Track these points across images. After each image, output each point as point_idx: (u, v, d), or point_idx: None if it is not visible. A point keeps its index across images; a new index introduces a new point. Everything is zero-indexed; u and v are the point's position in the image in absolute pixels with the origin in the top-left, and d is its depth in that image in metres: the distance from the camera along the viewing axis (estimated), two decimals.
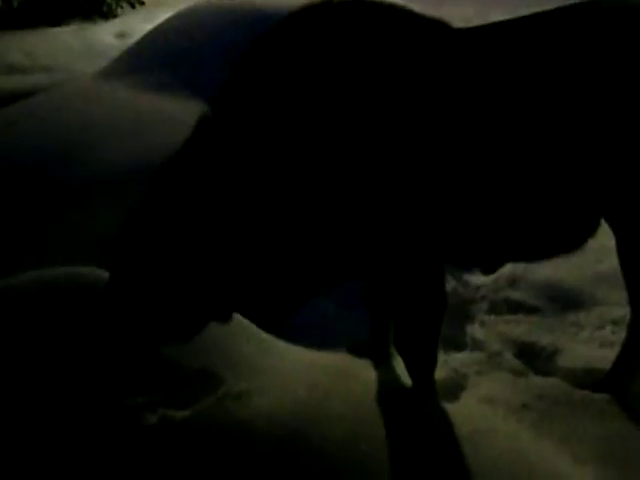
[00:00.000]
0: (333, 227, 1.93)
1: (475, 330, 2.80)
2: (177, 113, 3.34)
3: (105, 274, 2.02)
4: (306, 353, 2.18)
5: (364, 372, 2.13)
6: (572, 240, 2.18)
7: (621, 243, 2.24)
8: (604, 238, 2.23)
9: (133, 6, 10.62)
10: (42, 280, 2.13)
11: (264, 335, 2.18)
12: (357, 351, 2.29)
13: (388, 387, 2.08)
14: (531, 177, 2.03)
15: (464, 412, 2.04)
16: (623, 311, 2.58)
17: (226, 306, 1.94)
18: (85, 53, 7.12)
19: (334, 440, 1.75)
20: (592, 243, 2.20)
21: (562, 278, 3.04)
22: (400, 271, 2.03)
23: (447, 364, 2.47)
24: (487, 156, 1.99)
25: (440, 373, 2.23)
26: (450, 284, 2.95)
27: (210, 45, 3.94)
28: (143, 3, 10.69)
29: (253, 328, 2.16)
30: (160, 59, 4.05)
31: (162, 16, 4.95)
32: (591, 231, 2.17)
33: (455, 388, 2.33)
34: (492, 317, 2.89)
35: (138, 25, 7.61)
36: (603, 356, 2.50)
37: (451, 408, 2.03)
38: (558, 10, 2.12)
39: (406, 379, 2.15)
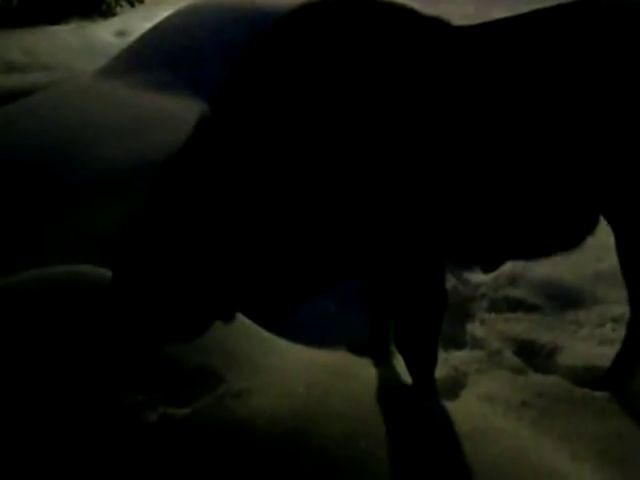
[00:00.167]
0: (333, 225, 1.93)
1: (475, 328, 2.80)
2: (177, 111, 3.35)
3: (105, 272, 2.02)
4: (306, 351, 2.19)
5: (364, 370, 2.13)
6: (571, 238, 2.18)
7: (620, 241, 2.24)
8: (603, 236, 2.23)
9: (132, 4, 10.61)
10: (42, 278, 2.13)
11: (264, 333, 2.18)
12: (357, 349, 2.29)
13: (388, 385, 2.08)
14: (530, 175, 2.03)
15: (464, 410, 2.04)
16: (623, 309, 2.58)
17: (229, 306, 1.94)
18: (85, 51, 7.11)
19: (334, 438, 1.75)
20: (591, 241, 2.20)
21: (562, 276, 3.05)
22: (400, 269, 2.03)
23: (447, 362, 2.47)
24: (487, 154, 1.99)
25: (440, 371, 2.23)
26: (450, 282, 2.95)
27: (210, 43, 3.94)
28: (142, 1, 10.68)
29: (253, 326, 2.16)
30: (160, 57, 4.06)
31: (162, 14, 4.95)
32: (590, 229, 2.17)
33: (455, 386, 2.33)
34: (492, 315, 2.89)
35: (138, 23, 7.61)
36: (603, 354, 2.50)
37: (451, 406, 2.03)
38: (558, 7, 2.12)
39: (406, 377, 2.15)
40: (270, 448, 1.72)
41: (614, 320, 2.76)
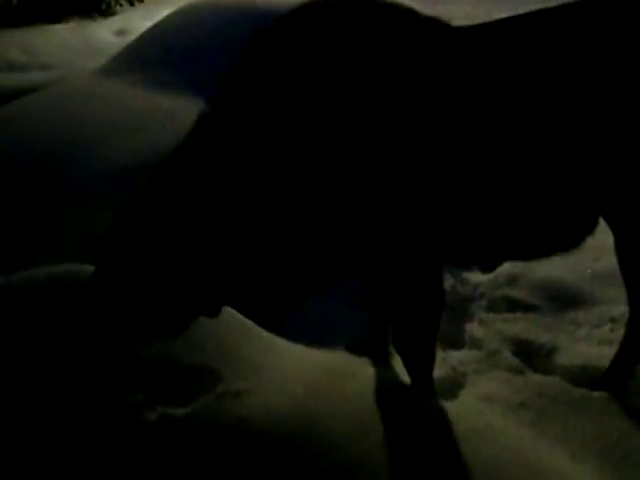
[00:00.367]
0: (331, 224, 1.93)
1: (474, 328, 2.80)
2: (177, 110, 3.35)
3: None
4: (305, 351, 2.19)
5: (363, 371, 2.13)
6: (571, 239, 2.18)
7: (620, 241, 2.24)
8: (602, 236, 2.23)
9: (132, 3, 10.61)
10: (43, 278, 2.14)
11: (263, 333, 2.18)
12: (356, 350, 2.29)
13: (387, 385, 2.08)
14: (530, 175, 2.03)
15: (462, 410, 2.04)
16: (621, 309, 2.59)
17: (214, 301, 1.94)
18: (84, 50, 7.11)
19: (333, 438, 1.75)
20: (590, 241, 2.20)
21: (561, 276, 3.05)
22: (398, 269, 2.04)
23: (446, 362, 2.47)
24: (486, 154, 2.00)
25: (439, 371, 2.23)
26: (449, 282, 2.96)
27: (210, 42, 3.94)
28: (142, 0, 10.68)
29: (252, 326, 2.16)
30: (160, 56, 4.06)
31: (161, 13, 4.95)
32: (589, 230, 2.17)
33: (454, 386, 2.34)
34: (490, 315, 2.89)
35: (137, 22, 7.61)
36: (601, 354, 2.51)
37: (450, 406, 2.03)
38: (559, 8, 2.12)
39: (405, 377, 2.16)
40: (269, 448, 1.72)
41: (613, 320, 2.76)
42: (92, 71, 4.45)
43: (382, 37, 1.97)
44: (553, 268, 2.99)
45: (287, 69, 1.93)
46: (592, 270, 3.07)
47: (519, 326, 2.80)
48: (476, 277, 3.07)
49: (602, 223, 2.21)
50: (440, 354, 2.36)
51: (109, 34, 8.10)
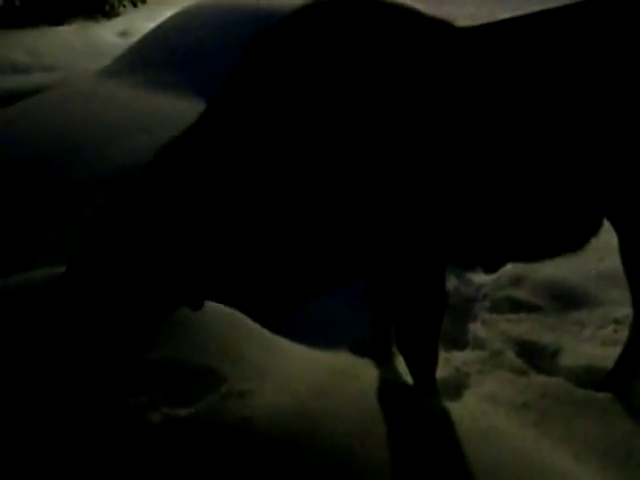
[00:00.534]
0: (334, 224, 1.93)
1: (477, 329, 2.80)
2: (180, 112, 3.34)
3: None
4: (308, 352, 2.18)
5: (366, 371, 2.13)
6: (575, 240, 2.18)
7: (624, 242, 2.24)
8: (606, 237, 2.23)
9: (135, 5, 10.63)
10: (46, 279, 2.14)
11: (267, 334, 2.18)
12: (359, 350, 2.29)
13: (390, 386, 2.08)
14: (534, 176, 2.03)
15: (466, 411, 2.04)
16: (625, 310, 2.58)
17: (197, 294, 1.93)
18: (88, 52, 7.12)
19: (336, 439, 1.75)
20: (594, 242, 2.20)
21: (564, 277, 3.04)
22: (401, 270, 2.03)
23: (449, 363, 2.47)
24: (490, 155, 1.99)
25: (442, 372, 2.23)
26: (452, 282, 2.96)
27: (213, 43, 3.94)
28: (145, 2, 10.70)
29: (256, 327, 2.16)
30: (163, 58, 4.06)
31: (165, 14, 4.96)
32: (594, 231, 2.16)
33: (457, 387, 2.34)
34: (494, 316, 2.89)
35: (141, 24, 7.62)
36: (605, 355, 2.50)
37: (453, 407, 2.03)
38: (564, 8, 2.11)
39: (408, 378, 2.15)
40: (272, 448, 1.72)
41: (617, 321, 2.75)
42: (95, 72, 4.45)
43: (386, 38, 1.97)
44: (557, 269, 2.98)
45: (291, 69, 1.93)
46: (596, 271, 3.07)
47: (522, 327, 2.79)
48: (479, 278, 3.07)
49: (606, 224, 2.21)
50: (443, 355, 2.36)
51: (112, 35, 8.12)
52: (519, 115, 2.00)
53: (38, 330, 1.91)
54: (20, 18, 9.18)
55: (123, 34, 8.06)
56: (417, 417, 1.91)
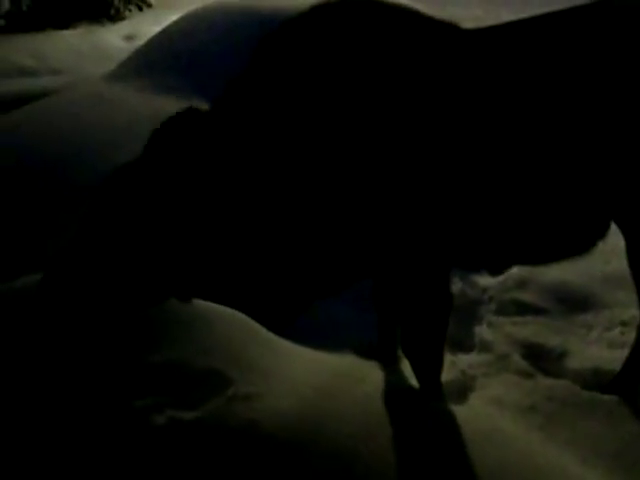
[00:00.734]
0: (339, 226, 1.93)
1: (483, 331, 2.79)
2: None
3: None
4: (314, 355, 2.18)
5: (372, 374, 2.13)
6: (581, 243, 2.17)
7: (631, 245, 2.23)
8: (613, 239, 2.22)
9: (141, 8, 10.66)
10: None
11: (272, 336, 2.18)
12: (365, 353, 2.29)
13: (395, 389, 2.07)
14: (541, 179, 2.02)
15: (472, 414, 2.03)
16: (632, 312, 2.58)
17: (185, 285, 1.93)
18: (93, 56, 7.15)
19: (341, 441, 1.75)
20: (601, 244, 2.20)
21: (570, 279, 3.04)
22: (406, 272, 2.03)
23: (455, 365, 2.47)
24: (496, 158, 1.99)
25: (448, 374, 2.22)
26: (457, 285, 2.95)
27: (217, 47, 3.94)
28: (151, 5, 10.73)
29: (261, 329, 2.16)
30: (168, 61, 4.07)
31: (170, 18, 4.96)
32: (601, 234, 2.15)
33: (463, 389, 2.33)
34: (500, 318, 2.89)
35: (146, 27, 7.63)
36: (612, 357, 2.50)
37: (459, 410, 2.02)
38: (570, 10, 2.11)
39: (414, 381, 2.15)
40: (278, 450, 1.72)
41: (623, 323, 2.75)
42: (101, 76, 4.47)
43: (392, 40, 1.97)
44: (563, 271, 2.98)
45: (295, 72, 1.93)
46: (602, 273, 3.06)
47: (529, 329, 2.79)
48: (485, 280, 3.07)
49: (612, 226, 2.20)
50: (449, 357, 2.35)
51: (118, 39, 8.14)
52: (526, 118, 2.00)
53: (40, 331, 1.92)
54: (27, 22, 9.22)
55: (129, 38, 8.08)
56: (422, 420, 1.91)
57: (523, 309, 2.93)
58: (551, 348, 2.65)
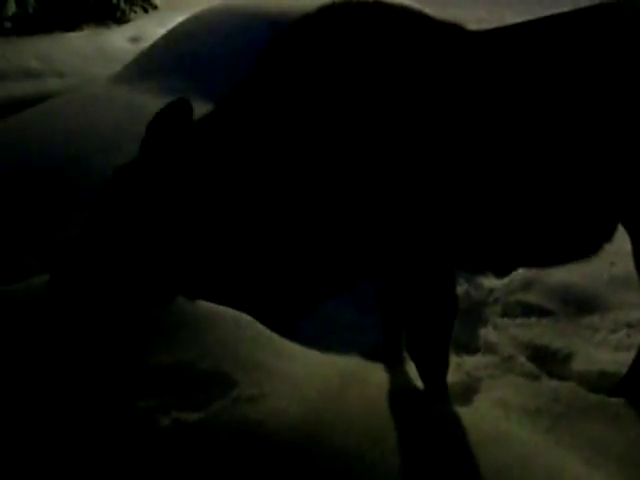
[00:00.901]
0: (343, 228, 1.93)
1: (488, 333, 2.79)
2: None
3: None
4: (319, 356, 2.18)
5: (376, 376, 2.13)
6: (588, 246, 2.16)
7: (637, 247, 2.22)
8: (619, 241, 2.21)
9: (146, 11, 10.68)
10: None
11: (277, 338, 2.18)
12: (370, 355, 2.29)
13: (400, 391, 2.07)
14: (547, 181, 2.02)
15: (477, 416, 2.03)
16: (638, 314, 2.57)
17: (190, 287, 1.93)
18: (99, 58, 7.16)
19: (346, 443, 1.75)
20: (606, 246, 2.19)
21: (576, 281, 3.03)
22: (410, 274, 2.03)
23: (460, 367, 2.46)
24: (501, 160, 1.99)
25: (453, 376, 2.22)
26: (462, 287, 2.95)
27: (223, 49, 3.95)
28: (156, 7, 10.75)
29: (266, 331, 2.16)
30: (173, 63, 4.07)
31: (175, 20, 4.97)
32: (607, 237, 2.15)
33: (468, 392, 2.33)
34: (505, 320, 2.88)
35: (151, 29, 7.65)
36: (618, 360, 2.49)
37: (464, 412, 2.02)
38: (577, 12, 2.10)
39: (419, 383, 2.15)
40: (283, 452, 1.72)
41: (629, 325, 2.74)
42: (106, 78, 4.48)
43: (399, 42, 1.97)
44: (568, 273, 2.97)
45: (302, 73, 1.93)
46: (608, 275, 3.05)
47: (534, 331, 2.78)
48: (490, 282, 3.06)
49: (618, 227, 2.19)
50: (454, 359, 2.35)
51: (123, 41, 8.15)
52: (532, 119, 1.99)
53: (46, 332, 1.92)
54: (33, 25, 9.25)
55: (134, 40, 8.09)
56: (427, 422, 1.90)
57: (528, 311, 2.93)
58: (557, 350, 2.64)
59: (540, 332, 2.77)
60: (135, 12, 10.56)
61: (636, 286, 2.30)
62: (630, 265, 2.28)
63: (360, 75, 1.92)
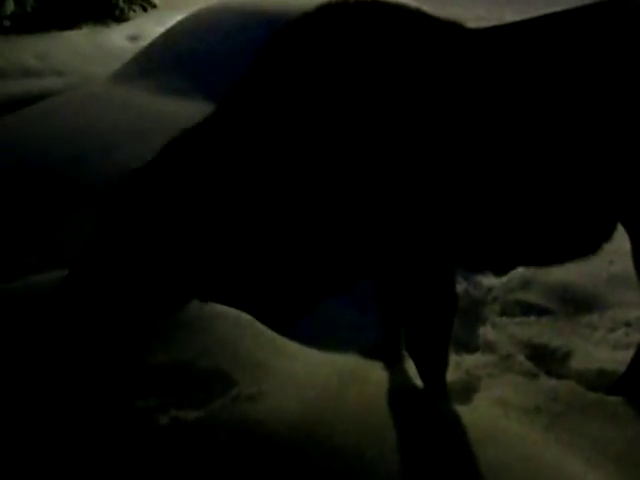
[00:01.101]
0: (342, 226, 1.93)
1: (487, 332, 2.79)
2: (189, 116, 3.35)
3: None
4: (318, 355, 2.18)
5: (376, 374, 2.13)
6: (587, 245, 2.16)
7: (636, 246, 2.22)
8: (618, 240, 2.21)
9: (145, 9, 10.67)
10: (57, 281, 2.14)
11: (276, 337, 2.18)
12: (369, 353, 2.29)
13: (400, 390, 2.07)
14: (546, 180, 2.02)
15: (476, 414, 2.03)
16: (637, 313, 2.57)
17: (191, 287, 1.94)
18: (98, 56, 7.16)
19: (346, 442, 1.75)
20: (605, 245, 2.19)
21: (575, 280, 3.03)
22: (410, 272, 2.03)
23: (459, 366, 2.46)
24: (501, 158, 1.99)
25: (452, 375, 2.22)
26: (461, 285, 2.95)
27: (222, 48, 3.95)
28: (155, 6, 10.74)
29: (265, 330, 2.16)
30: (172, 62, 4.07)
31: (174, 19, 4.97)
32: (606, 236, 2.15)
33: (467, 390, 2.33)
34: (504, 319, 2.88)
35: (150, 28, 7.65)
36: (616, 358, 2.49)
37: (463, 410, 2.02)
38: (576, 10, 2.10)
39: (418, 381, 2.15)
40: (281, 451, 1.72)
41: (628, 324, 2.74)
42: (106, 77, 4.48)
43: (398, 40, 1.97)
44: (567, 271, 2.97)
45: (301, 72, 1.93)
46: (607, 274, 3.05)
47: (533, 330, 2.78)
48: (489, 280, 3.06)
49: (617, 227, 2.19)
50: (453, 358, 2.35)
51: (122, 40, 8.15)
52: (531, 118, 1.99)
53: (50, 332, 1.92)
54: (31, 23, 9.24)
55: (133, 38, 8.09)
56: (427, 420, 1.91)
57: (527, 310, 2.93)
58: (555, 349, 2.64)
59: (539, 331, 2.77)
60: (134, 11, 10.55)
61: (635, 285, 2.30)
62: (629, 264, 2.28)
63: (359, 73, 1.92)
